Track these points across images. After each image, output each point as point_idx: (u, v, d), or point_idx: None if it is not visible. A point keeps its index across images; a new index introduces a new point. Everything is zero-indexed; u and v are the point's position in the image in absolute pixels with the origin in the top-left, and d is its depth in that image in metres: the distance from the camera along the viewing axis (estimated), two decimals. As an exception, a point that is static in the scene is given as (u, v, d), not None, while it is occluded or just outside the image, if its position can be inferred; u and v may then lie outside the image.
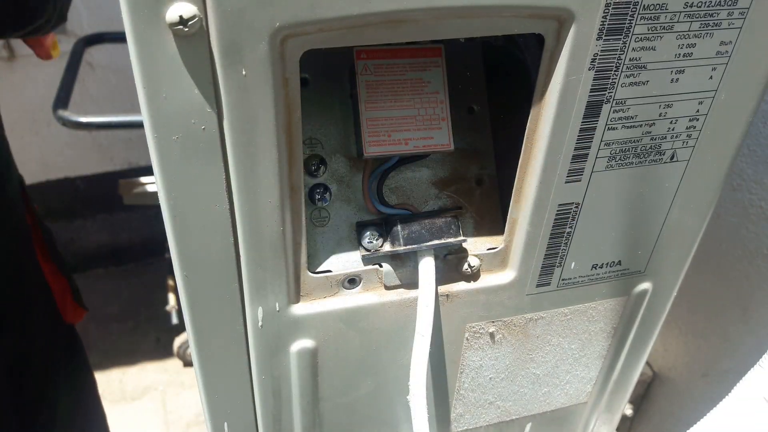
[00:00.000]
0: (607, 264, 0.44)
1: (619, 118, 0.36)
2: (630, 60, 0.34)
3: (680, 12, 0.33)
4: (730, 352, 0.75)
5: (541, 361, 0.49)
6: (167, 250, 0.50)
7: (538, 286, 0.43)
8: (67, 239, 1.84)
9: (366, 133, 0.37)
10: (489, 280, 0.42)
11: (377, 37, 0.30)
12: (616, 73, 0.34)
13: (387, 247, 0.39)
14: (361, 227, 0.40)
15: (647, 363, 0.87)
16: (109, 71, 1.60)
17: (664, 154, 0.39)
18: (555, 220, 0.40)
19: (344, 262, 0.40)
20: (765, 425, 0.53)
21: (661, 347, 0.87)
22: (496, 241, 0.42)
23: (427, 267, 0.39)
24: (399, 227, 0.38)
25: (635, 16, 0.32)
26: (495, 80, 0.43)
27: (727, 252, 0.73)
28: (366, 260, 0.40)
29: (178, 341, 1.57)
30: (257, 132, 0.31)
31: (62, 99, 1.12)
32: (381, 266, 0.40)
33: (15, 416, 0.62)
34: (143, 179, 1.10)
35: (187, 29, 0.27)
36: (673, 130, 0.38)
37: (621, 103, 0.35)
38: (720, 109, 0.38)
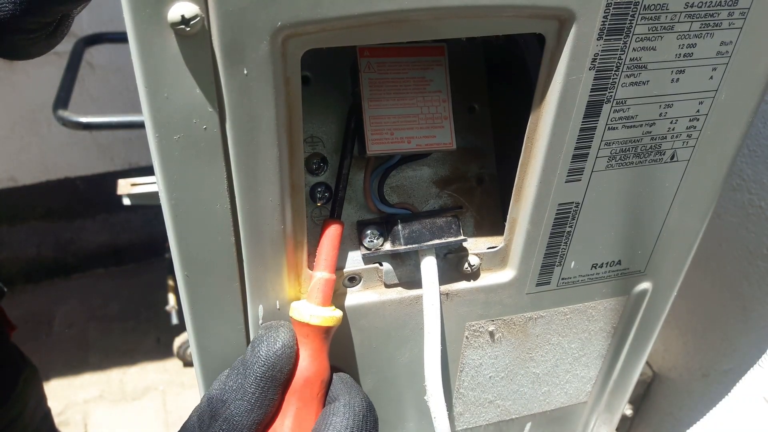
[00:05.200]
0: (607, 263, 0.44)
1: (620, 118, 0.36)
2: (630, 60, 0.34)
3: (681, 12, 0.33)
4: (730, 352, 0.75)
5: (540, 360, 0.49)
6: (167, 250, 0.50)
7: (537, 285, 0.43)
8: (67, 239, 1.84)
9: (369, 131, 0.37)
10: (489, 279, 0.42)
11: (378, 36, 0.30)
12: (617, 73, 0.34)
13: (387, 246, 0.39)
14: (361, 226, 0.40)
15: (647, 363, 0.87)
16: (109, 71, 1.60)
17: (664, 154, 0.39)
18: (555, 219, 0.40)
19: (345, 260, 0.40)
20: (765, 425, 0.53)
21: (661, 347, 0.87)
22: (496, 240, 0.42)
23: (429, 266, 0.39)
24: (400, 226, 0.39)
25: (636, 16, 0.32)
26: (496, 79, 0.43)
27: (727, 252, 0.73)
28: (366, 259, 0.40)
29: (178, 341, 1.57)
30: (259, 131, 0.31)
31: (62, 99, 1.12)
32: (381, 265, 0.40)
33: None
34: (142, 179, 1.10)
35: (188, 29, 0.27)
36: (673, 130, 0.38)
37: (621, 102, 0.36)
38: (720, 109, 0.38)
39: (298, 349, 0.35)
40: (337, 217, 0.37)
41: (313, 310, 0.35)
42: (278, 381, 0.34)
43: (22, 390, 0.76)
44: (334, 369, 0.38)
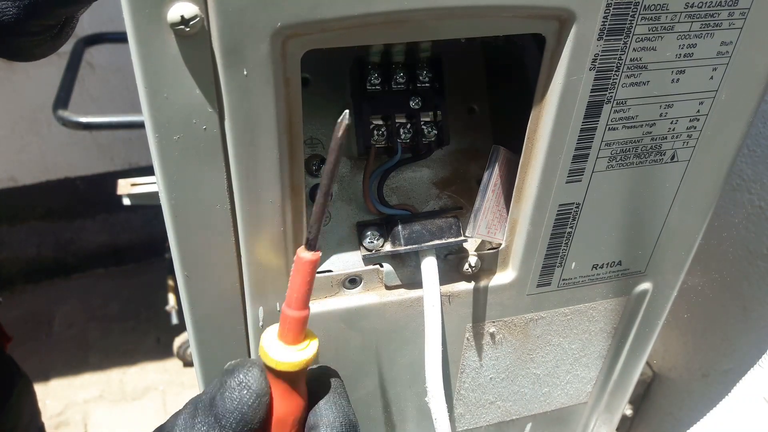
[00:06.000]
0: (607, 264, 0.44)
1: (620, 119, 0.36)
2: (631, 60, 0.34)
3: (681, 12, 0.33)
4: (730, 352, 0.75)
5: (541, 361, 0.49)
6: (167, 250, 0.50)
7: (538, 286, 0.43)
8: (67, 239, 1.84)
9: None
10: (490, 280, 0.42)
11: (378, 37, 0.30)
12: (617, 73, 0.34)
13: (388, 247, 0.39)
14: (361, 227, 0.40)
15: (647, 363, 0.87)
16: (109, 71, 1.59)
17: (664, 155, 0.39)
18: (555, 220, 0.40)
19: (345, 262, 0.40)
20: (765, 425, 0.53)
21: (661, 347, 0.86)
22: (497, 241, 0.42)
23: (430, 267, 0.39)
24: (400, 227, 0.39)
25: (636, 16, 0.32)
26: (495, 80, 0.43)
27: (727, 252, 0.73)
28: (367, 260, 0.40)
29: (178, 341, 1.57)
30: (258, 132, 0.31)
31: (62, 99, 1.12)
32: (382, 266, 0.40)
33: None
34: (142, 179, 1.10)
35: (188, 29, 0.27)
36: (673, 130, 0.38)
37: (622, 103, 0.35)
38: (720, 109, 0.38)
39: (271, 393, 0.32)
40: (311, 248, 0.30)
41: (283, 354, 0.31)
42: (254, 430, 0.31)
43: (16, 403, 0.75)
44: (324, 376, 0.34)
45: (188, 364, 1.60)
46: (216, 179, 0.32)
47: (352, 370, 0.44)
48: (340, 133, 0.26)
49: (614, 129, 0.36)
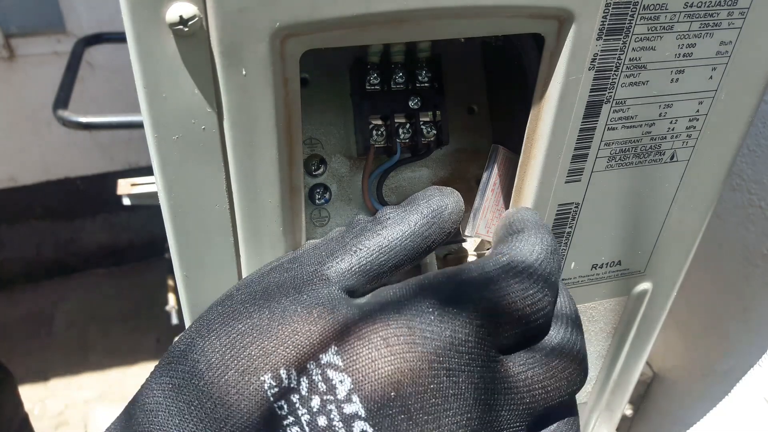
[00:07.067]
0: (606, 264, 0.44)
1: (619, 118, 0.36)
2: (630, 60, 0.34)
3: (680, 12, 0.33)
4: (730, 352, 0.75)
5: (541, 361, 0.49)
6: (167, 250, 0.50)
7: (538, 286, 0.43)
8: (67, 239, 1.84)
9: None
10: (489, 280, 0.42)
11: (377, 37, 0.30)
12: (616, 73, 0.34)
13: (387, 247, 0.39)
14: (361, 227, 0.40)
15: (647, 363, 0.87)
16: (109, 71, 1.60)
17: (664, 154, 0.39)
18: (555, 220, 0.40)
19: (344, 262, 0.40)
20: (765, 425, 0.53)
21: (661, 347, 0.87)
22: (496, 241, 0.42)
23: (429, 267, 0.39)
24: (399, 227, 0.38)
25: (635, 16, 0.32)
26: (495, 80, 0.43)
27: (727, 252, 0.73)
28: (366, 260, 0.40)
29: (178, 341, 1.57)
30: (257, 132, 0.31)
31: (62, 99, 1.12)
32: (381, 266, 0.40)
33: None
34: (142, 179, 1.10)
35: (187, 29, 0.27)
36: (673, 130, 0.38)
37: (621, 103, 0.35)
38: (720, 109, 0.38)
39: None
40: None
41: None
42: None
43: None
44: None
45: (188, 364, 1.60)
46: (215, 179, 0.32)
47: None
48: None
49: (613, 129, 0.36)
